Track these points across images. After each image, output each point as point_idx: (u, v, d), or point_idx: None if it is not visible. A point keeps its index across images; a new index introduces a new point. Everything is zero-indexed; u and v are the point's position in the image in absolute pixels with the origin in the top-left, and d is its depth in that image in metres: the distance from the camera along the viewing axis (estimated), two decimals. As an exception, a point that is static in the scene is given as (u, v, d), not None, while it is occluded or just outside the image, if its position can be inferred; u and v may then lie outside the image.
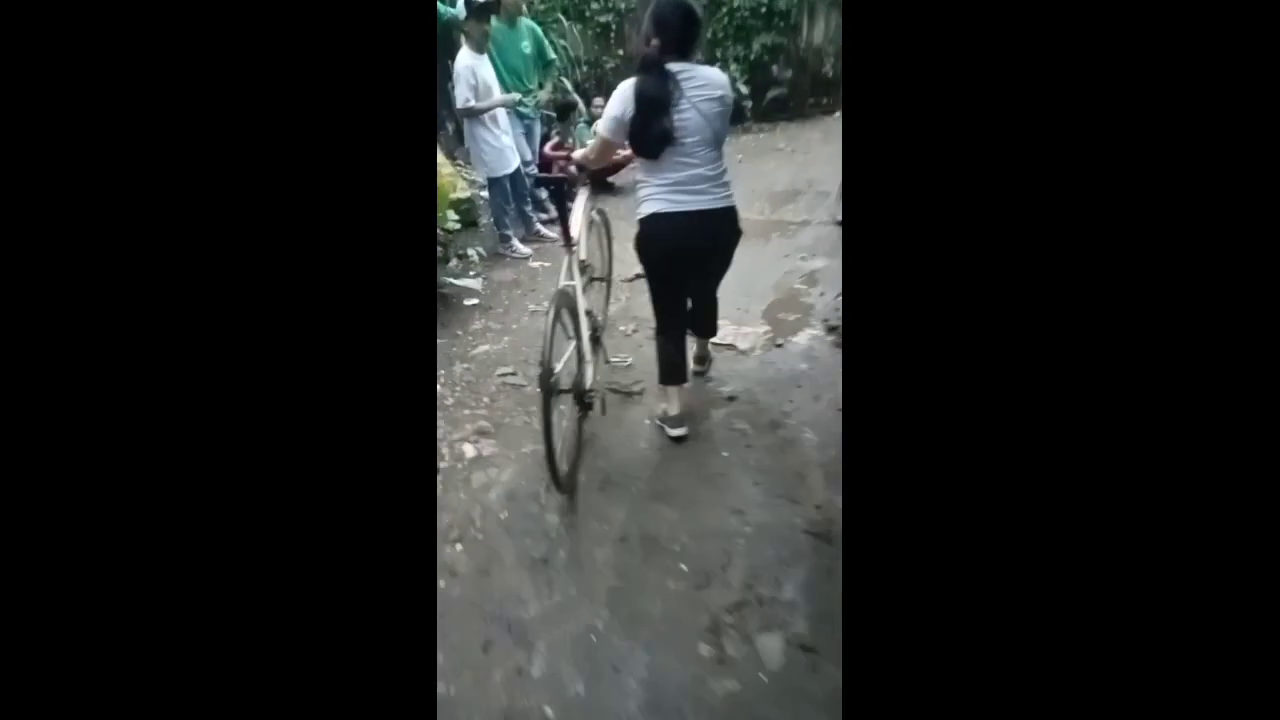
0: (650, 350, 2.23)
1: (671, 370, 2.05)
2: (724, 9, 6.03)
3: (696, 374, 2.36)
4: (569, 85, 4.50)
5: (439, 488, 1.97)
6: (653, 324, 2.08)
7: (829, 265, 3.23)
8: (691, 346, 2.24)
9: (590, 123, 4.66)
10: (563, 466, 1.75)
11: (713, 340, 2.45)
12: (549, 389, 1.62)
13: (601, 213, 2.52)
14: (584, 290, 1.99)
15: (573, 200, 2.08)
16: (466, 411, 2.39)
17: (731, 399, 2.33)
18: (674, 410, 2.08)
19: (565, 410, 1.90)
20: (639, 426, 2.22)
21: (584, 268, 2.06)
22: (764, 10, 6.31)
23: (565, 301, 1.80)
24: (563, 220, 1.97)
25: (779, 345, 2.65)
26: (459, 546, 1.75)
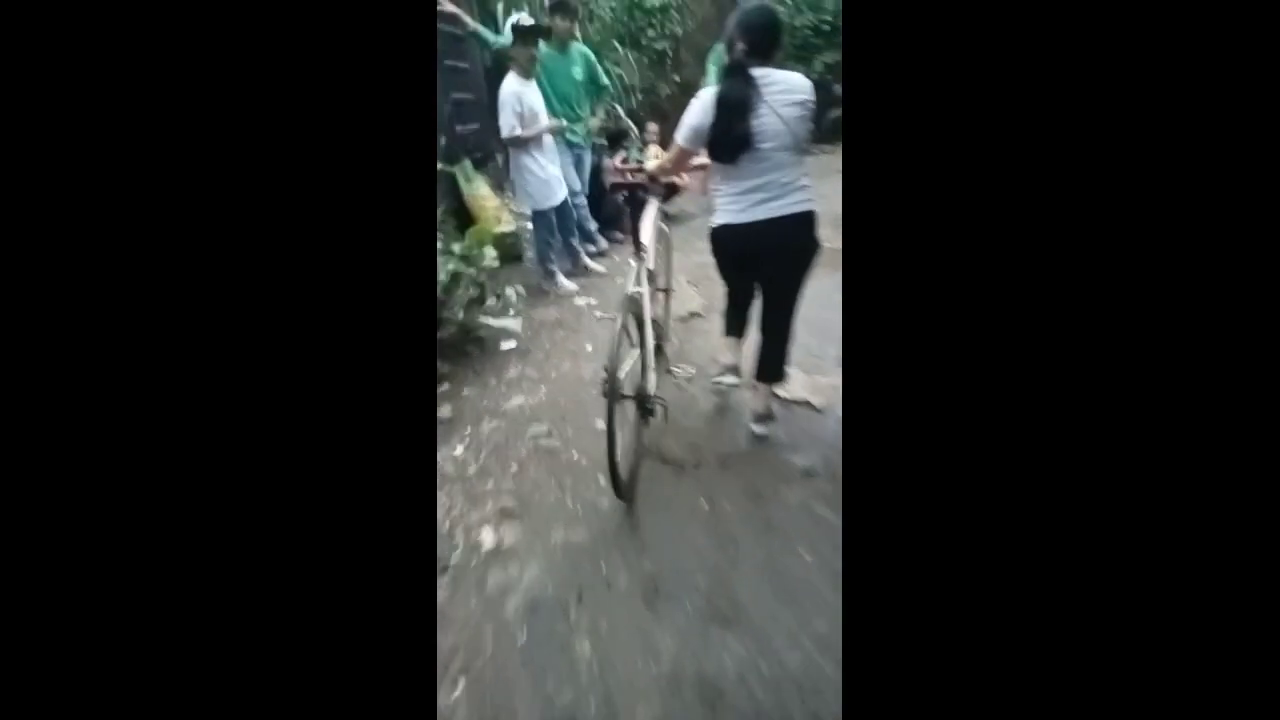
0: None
1: (732, 324, 2.07)
2: (785, 26, 5.69)
3: (757, 437, 2.07)
4: (621, 111, 4.20)
5: (445, 589, 1.60)
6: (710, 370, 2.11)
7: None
8: (750, 400, 2.10)
9: (643, 148, 4.46)
10: (623, 475, 1.72)
11: (780, 393, 2.16)
12: (614, 394, 1.59)
13: (666, 219, 2.42)
14: (651, 298, 1.96)
15: (643, 209, 2.05)
16: (490, 484, 2.02)
17: (809, 474, 1.88)
18: (727, 358, 2.10)
19: (628, 417, 1.84)
20: (694, 509, 1.80)
21: (651, 276, 2.03)
22: (826, 28, 6.00)
23: (632, 308, 1.76)
24: (634, 227, 1.96)
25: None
26: (460, 686, 1.35)
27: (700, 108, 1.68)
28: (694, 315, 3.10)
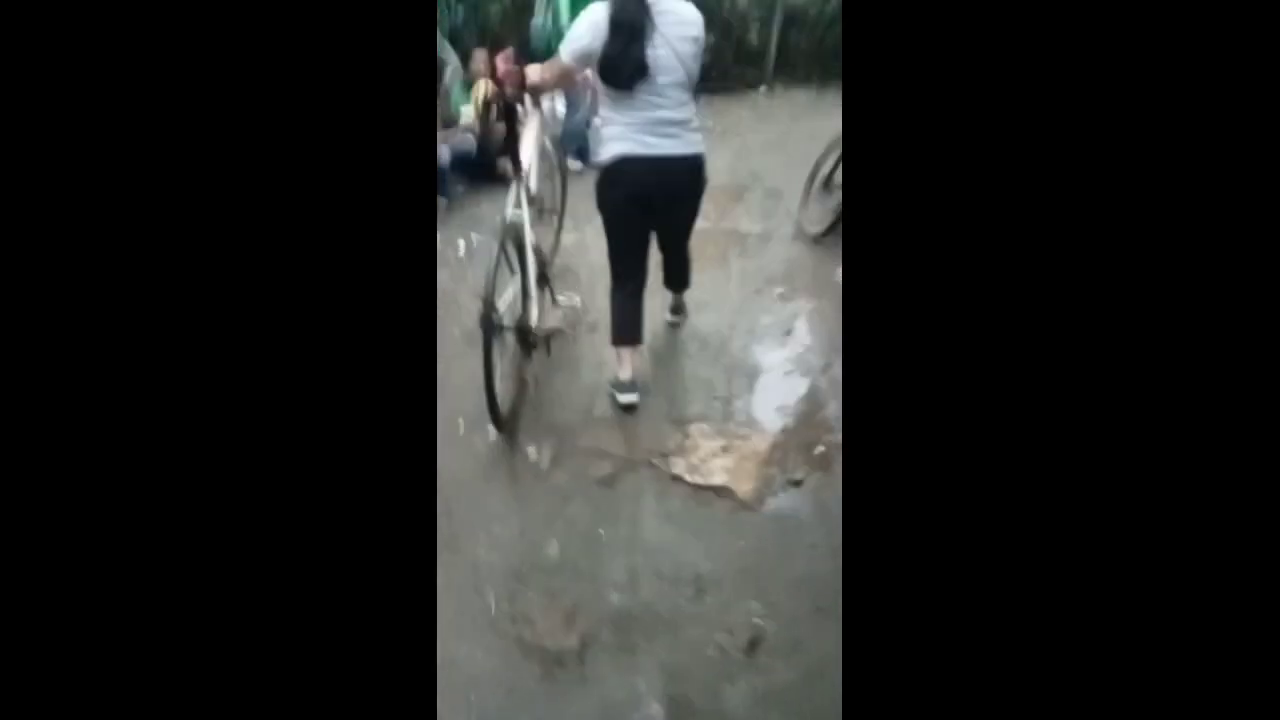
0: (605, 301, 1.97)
1: (626, 327, 1.85)
2: None
3: (671, 325, 2.18)
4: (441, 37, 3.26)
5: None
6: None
7: (816, 307, 2.37)
8: (666, 296, 2.11)
9: (468, 86, 3.48)
10: (502, 409, 1.68)
11: (700, 482, 1.73)
12: (490, 325, 1.55)
13: (556, 141, 2.29)
14: (532, 224, 1.83)
15: (522, 124, 1.92)
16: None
17: (749, 638, 1.34)
18: (625, 374, 1.87)
19: (507, 349, 1.79)
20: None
21: (532, 199, 1.89)
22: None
23: (511, 234, 1.69)
24: (511, 146, 1.84)
25: (797, 483, 1.65)
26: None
27: (589, 24, 1.57)
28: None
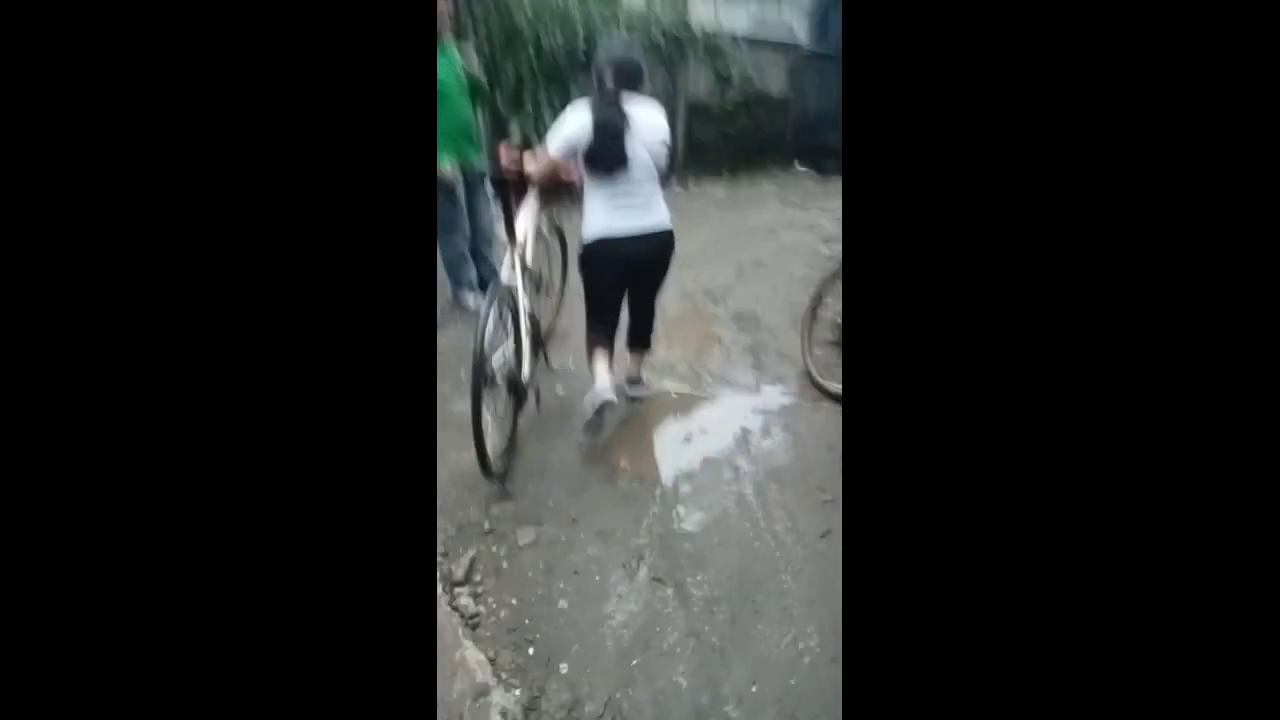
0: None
1: (601, 341, 2.15)
2: (533, 49, 4.92)
3: (630, 399, 2.36)
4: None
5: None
6: None
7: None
8: (624, 366, 2.33)
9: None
10: (491, 455, 1.80)
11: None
12: (480, 376, 1.67)
13: (559, 231, 2.56)
14: (526, 292, 2.05)
15: (521, 201, 2.15)
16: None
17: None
18: (601, 379, 2.10)
19: (498, 400, 1.95)
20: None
21: (527, 269, 2.12)
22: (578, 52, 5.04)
23: (505, 297, 1.90)
24: (508, 218, 2.03)
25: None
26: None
27: (577, 126, 1.85)
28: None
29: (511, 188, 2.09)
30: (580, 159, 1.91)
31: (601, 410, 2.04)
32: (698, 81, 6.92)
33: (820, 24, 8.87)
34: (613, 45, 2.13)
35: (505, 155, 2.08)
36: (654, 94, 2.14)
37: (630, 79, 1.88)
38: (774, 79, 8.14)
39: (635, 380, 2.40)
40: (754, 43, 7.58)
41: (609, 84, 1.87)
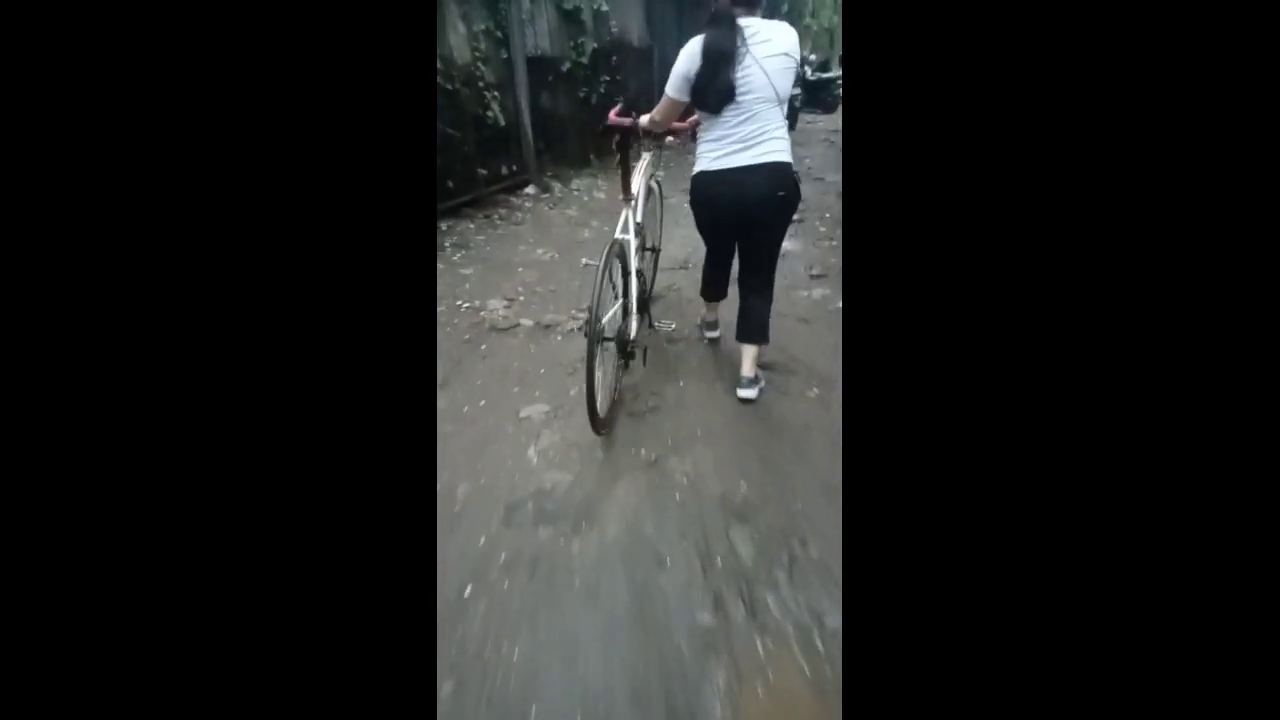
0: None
1: (711, 288, 2.19)
2: None
3: (742, 401, 2.02)
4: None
5: None
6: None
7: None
8: (742, 366, 2.04)
9: None
10: (600, 411, 1.78)
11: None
12: (594, 334, 1.65)
13: (659, 184, 2.46)
14: (636, 250, 1.99)
15: (636, 157, 2.07)
16: None
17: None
18: (711, 317, 2.35)
19: (609, 359, 1.98)
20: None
21: (638, 229, 2.05)
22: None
23: (618, 253, 1.82)
24: (625, 174, 1.98)
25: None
26: None
27: (687, 56, 1.66)
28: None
29: (627, 144, 1.96)
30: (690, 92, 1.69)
31: (714, 340, 2.34)
32: (538, 27, 4.81)
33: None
34: None
35: (611, 117, 1.93)
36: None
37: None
38: (633, 21, 6.24)
39: (750, 381, 2.01)
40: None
41: (721, 3, 1.64)
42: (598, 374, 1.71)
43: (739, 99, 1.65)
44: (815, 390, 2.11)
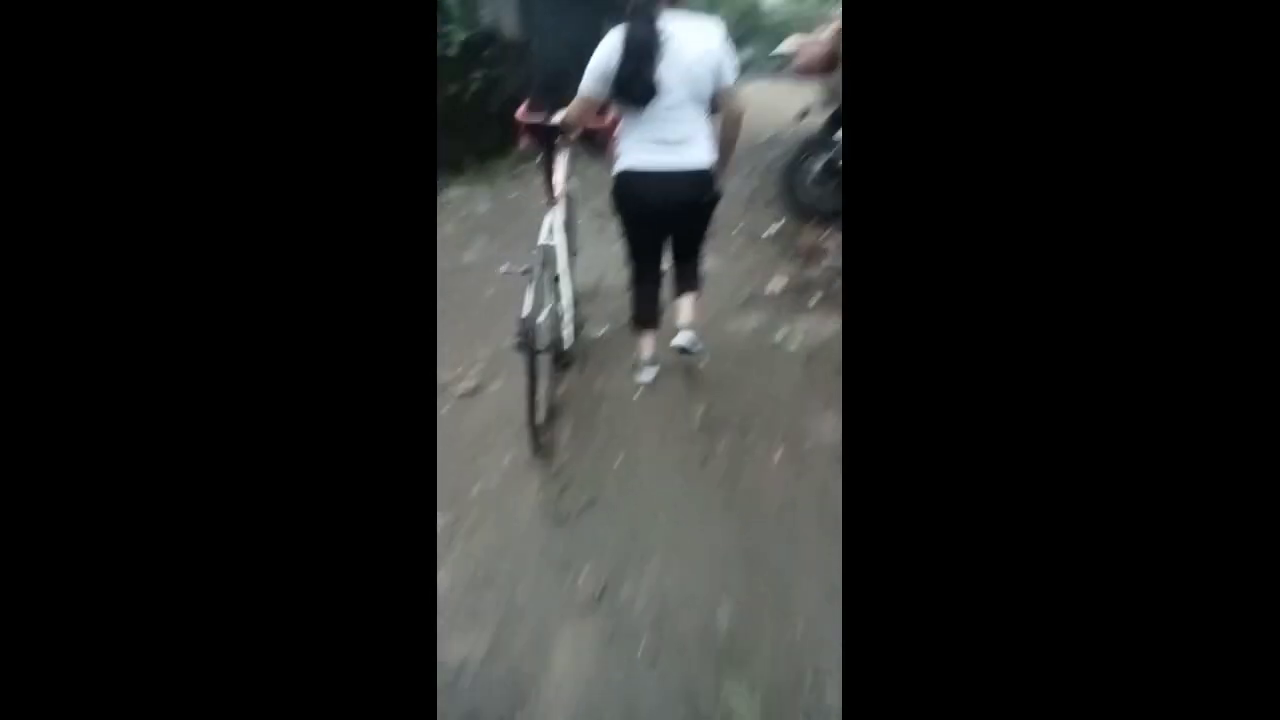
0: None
1: (643, 315, 2.00)
2: None
3: (681, 352, 1.96)
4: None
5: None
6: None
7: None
8: (678, 314, 1.98)
9: None
10: (539, 422, 1.70)
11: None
12: (532, 345, 1.58)
13: (573, 190, 2.27)
14: (564, 253, 1.95)
15: (555, 158, 1.98)
16: None
17: None
18: (646, 353, 2.03)
19: (544, 369, 1.81)
20: None
21: (565, 230, 1.99)
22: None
23: (545, 259, 1.78)
24: (547, 175, 1.95)
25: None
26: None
27: (605, 51, 1.61)
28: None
29: (543, 143, 1.92)
30: (609, 88, 1.66)
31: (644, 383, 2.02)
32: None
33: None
34: None
35: (526, 111, 1.91)
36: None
37: None
38: (506, 10, 5.63)
39: (686, 327, 1.96)
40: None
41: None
42: (539, 388, 1.64)
43: (661, 95, 1.61)
44: (781, 450, 1.75)
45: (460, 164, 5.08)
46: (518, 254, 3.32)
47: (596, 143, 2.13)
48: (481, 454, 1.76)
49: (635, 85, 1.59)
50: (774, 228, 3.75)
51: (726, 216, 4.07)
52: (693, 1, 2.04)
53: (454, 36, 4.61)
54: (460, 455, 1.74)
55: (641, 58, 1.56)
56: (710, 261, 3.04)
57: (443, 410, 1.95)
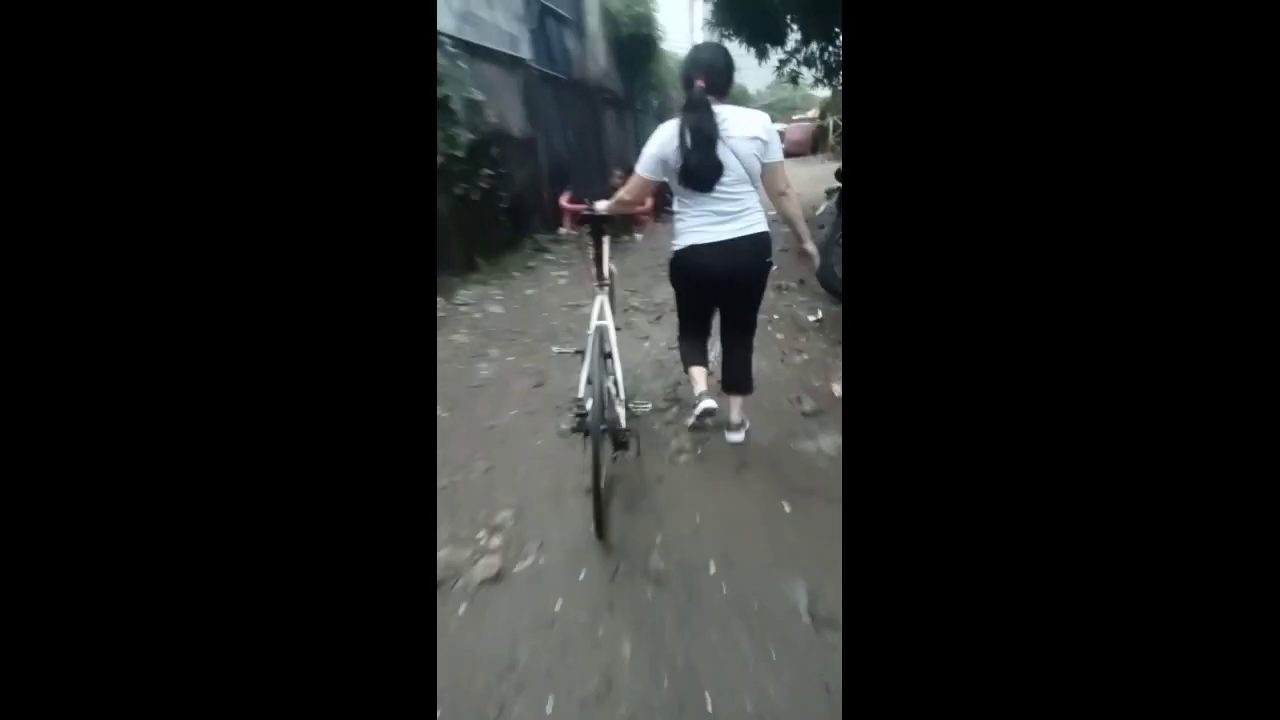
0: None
1: (693, 355, 2.08)
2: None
3: (733, 444, 2.12)
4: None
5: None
6: None
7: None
8: (731, 412, 2.12)
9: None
10: (603, 508, 1.63)
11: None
12: (597, 428, 1.53)
13: (613, 270, 2.24)
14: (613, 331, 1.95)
15: (602, 241, 2.05)
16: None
17: None
18: (700, 388, 2.05)
19: (604, 451, 1.68)
20: None
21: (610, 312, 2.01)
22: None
23: (600, 339, 1.79)
24: (597, 259, 2.01)
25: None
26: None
27: (665, 139, 1.74)
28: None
29: (600, 229, 2.01)
30: (672, 174, 1.76)
31: (705, 415, 2.00)
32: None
33: (539, 35, 6.66)
34: (701, 49, 1.85)
35: (569, 203, 2.05)
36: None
37: (720, 84, 1.75)
38: (510, 108, 5.60)
39: (738, 425, 2.14)
40: (470, 49, 4.93)
41: (697, 90, 1.70)
42: (602, 471, 1.59)
43: (721, 178, 1.74)
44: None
45: (472, 263, 4.85)
46: (539, 360, 2.97)
47: (633, 226, 2.36)
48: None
49: (703, 170, 1.72)
50: (812, 318, 3.40)
51: (769, 303, 3.70)
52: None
53: (459, 138, 4.48)
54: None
55: (703, 143, 1.69)
56: (760, 361, 2.66)
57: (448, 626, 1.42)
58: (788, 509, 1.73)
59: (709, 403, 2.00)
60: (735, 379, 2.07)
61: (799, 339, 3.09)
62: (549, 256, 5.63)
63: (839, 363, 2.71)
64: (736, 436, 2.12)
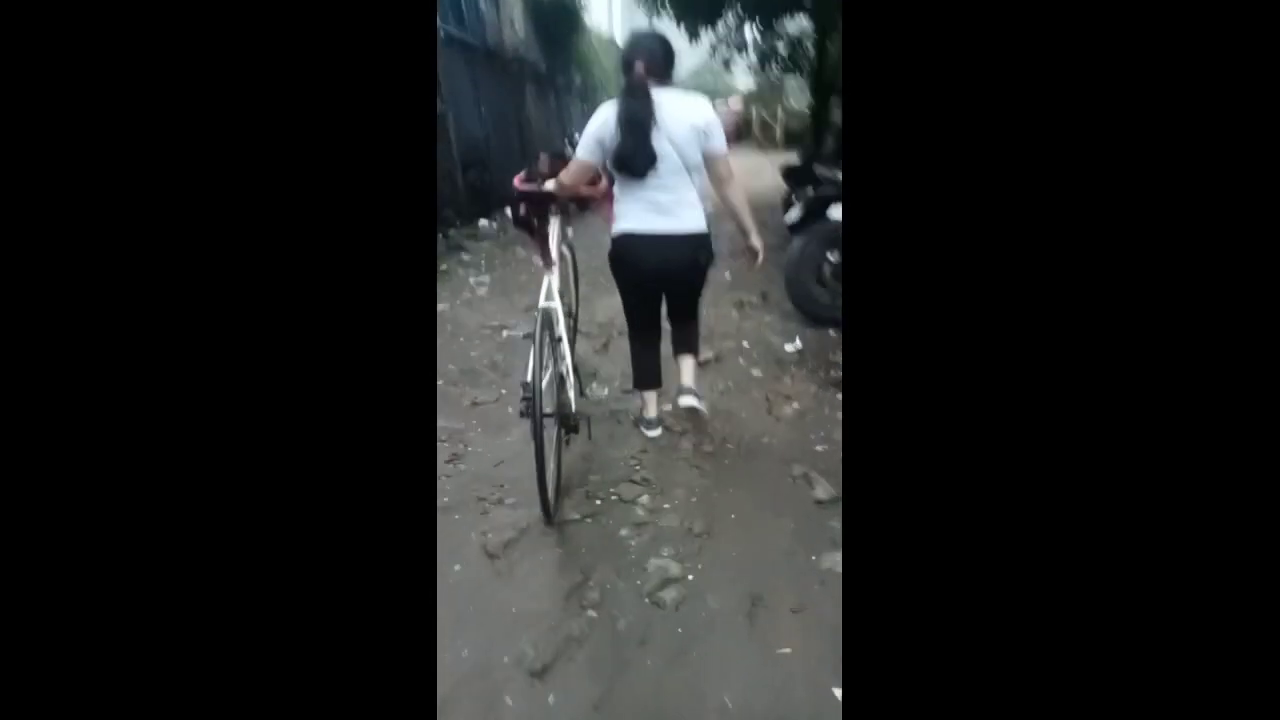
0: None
1: (645, 375, 2.10)
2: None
3: (690, 411, 2.10)
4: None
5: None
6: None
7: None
8: (680, 376, 2.11)
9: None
10: (550, 496, 1.64)
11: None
12: (538, 411, 1.54)
13: (571, 248, 2.34)
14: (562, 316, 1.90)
15: (548, 223, 1.95)
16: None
17: None
18: (650, 412, 2.13)
19: (551, 435, 1.75)
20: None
21: (561, 292, 1.94)
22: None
23: (546, 321, 1.72)
24: (542, 241, 1.91)
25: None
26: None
27: (600, 121, 1.69)
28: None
29: (544, 211, 1.92)
30: (608, 157, 1.72)
31: (655, 439, 2.07)
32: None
33: (452, -3, 5.74)
34: (641, 34, 1.80)
35: (521, 183, 1.90)
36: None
37: (660, 68, 1.69)
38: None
39: (686, 390, 2.09)
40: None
41: (636, 75, 1.67)
42: (548, 456, 1.61)
43: (656, 165, 1.69)
44: None
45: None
46: (452, 418, 2.28)
47: (590, 207, 2.07)
48: None
49: (636, 157, 1.67)
50: (791, 347, 2.90)
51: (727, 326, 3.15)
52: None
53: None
54: None
55: (639, 131, 1.64)
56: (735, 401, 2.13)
57: None
58: (838, 695, 1.18)
59: (656, 431, 2.11)
60: (683, 342, 2.09)
61: (782, 378, 2.57)
62: (465, 257, 4.80)
63: (839, 413, 2.22)
64: (690, 400, 2.08)
